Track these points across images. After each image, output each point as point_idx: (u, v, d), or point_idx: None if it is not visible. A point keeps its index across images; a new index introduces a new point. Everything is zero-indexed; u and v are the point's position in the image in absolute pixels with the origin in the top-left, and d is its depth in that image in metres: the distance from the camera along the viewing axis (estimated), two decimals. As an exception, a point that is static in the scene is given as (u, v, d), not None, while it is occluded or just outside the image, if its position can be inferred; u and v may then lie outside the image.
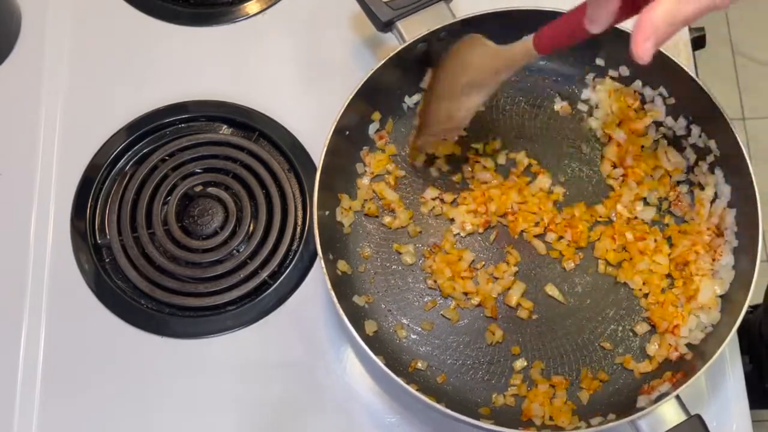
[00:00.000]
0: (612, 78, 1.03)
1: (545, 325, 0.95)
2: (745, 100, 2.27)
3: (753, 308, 1.20)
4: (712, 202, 0.97)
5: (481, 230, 0.99)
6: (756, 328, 1.17)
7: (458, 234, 0.99)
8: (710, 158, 0.97)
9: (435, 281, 0.96)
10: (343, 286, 0.94)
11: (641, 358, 0.93)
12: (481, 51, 0.89)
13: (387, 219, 1.00)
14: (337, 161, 0.97)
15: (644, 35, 0.65)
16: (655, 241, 0.96)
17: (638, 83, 1.02)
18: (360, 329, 0.89)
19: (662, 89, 0.99)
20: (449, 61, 0.93)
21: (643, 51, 0.65)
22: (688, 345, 0.91)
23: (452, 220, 0.99)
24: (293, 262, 1.01)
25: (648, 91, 1.01)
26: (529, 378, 0.92)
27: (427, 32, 0.97)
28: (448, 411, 0.83)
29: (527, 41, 0.83)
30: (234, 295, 0.99)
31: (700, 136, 0.98)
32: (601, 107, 1.03)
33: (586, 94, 1.05)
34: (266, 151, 1.06)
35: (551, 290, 0.96)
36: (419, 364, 0.93)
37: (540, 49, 0.82)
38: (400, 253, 0.98)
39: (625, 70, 1.02)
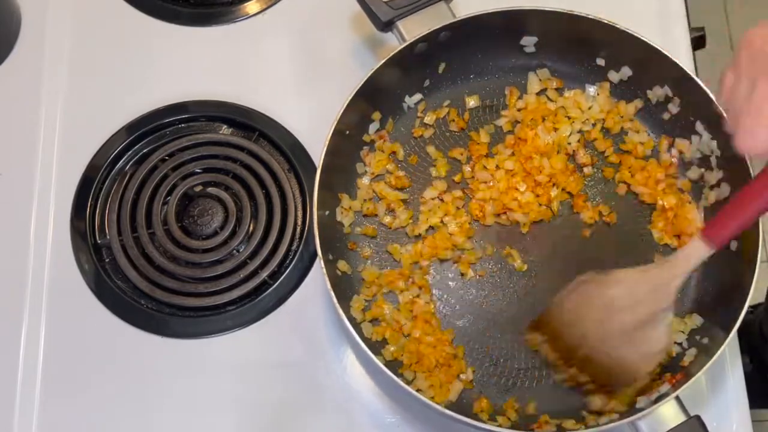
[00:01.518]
0: (611, 81, 1.04)
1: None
2: (746, 100, 2.26)
3: (753, 308, 1.20)
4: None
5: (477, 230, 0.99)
6: (756, 328, 1.17)
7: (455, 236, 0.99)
8: (712, 159, 0.97)
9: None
10: (343, 286, 0.94)
11: None
12: (629, 283, 0.83)
13: (387, 219, 1.00)
14: (337, 161, 0.97)
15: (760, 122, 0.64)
16: None
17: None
18: (360, 329, 0.89)
19: (667, 89, 0.99)
20: (576, 311, 0.86)
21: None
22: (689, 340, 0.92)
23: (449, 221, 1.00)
24: (293, 262, 1.01)
25: (657, 91, 1.01)
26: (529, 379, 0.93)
27: (427, 32, 0.97)
28: (448, 411, 0.83)
29: (697, 243, 0.78)
30: (234, 295, 0.99)
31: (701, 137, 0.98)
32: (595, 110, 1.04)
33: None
34: (266, 151, 1.06)
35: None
36: (419, 364, 0.94)
37: (716, 243, 0.77)
38: (395, 258, 0.98)
39: (627, 71, 1.02)
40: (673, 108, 1.00)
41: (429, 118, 1.04)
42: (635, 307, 0.82)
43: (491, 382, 0.93)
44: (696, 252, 0.79)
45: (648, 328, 0.82)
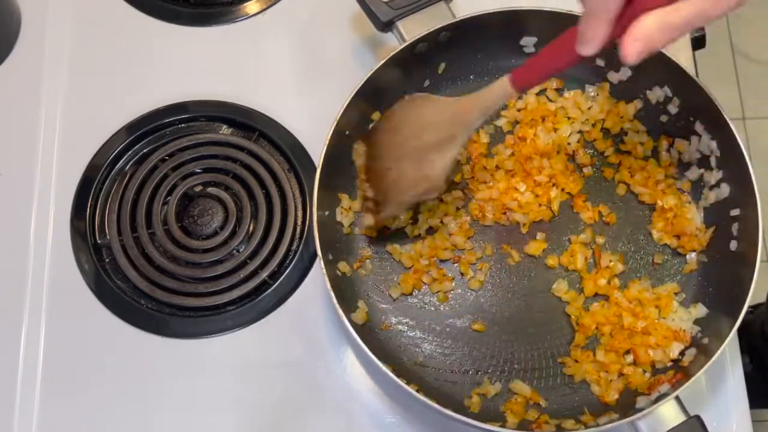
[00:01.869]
0: (611, 82, 1.04)
1: (543, 326, 0.95)
2: (745, 100, 2.27)
3: (753, 308, 1.20)
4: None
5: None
6: (757, 327, 1.17)
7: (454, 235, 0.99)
8: (712, 159, 0.97)
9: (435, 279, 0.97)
10: (343, 286, 0.94)
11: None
12: (438, 107, 0.88)
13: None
14: (337, 161, 0.97)
15: (633, 37, 0.66)
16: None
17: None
18: (360, 329, 0.89)
19: (667, 89, 0.99)
20: (395, 124, 0.91)
21: (630, 49, 0.66)
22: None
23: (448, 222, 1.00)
24: (293, 262, 1.01)
25: (656, 92, 1.01)
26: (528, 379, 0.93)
27: (427, 32, 0.97)
28: (448, 411, 0.83)
29: (503, 80, 0.81)
30: (234, 295, 0.99)
31: (700, 138, 0.98)
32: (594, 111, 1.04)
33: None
34: (266, 151, 1.06)
35: (558, 288, 0.96)
36: (420, 364, 0.93)
37: (519, 87, 0.81)
38: (395, 258, 0.98)
39: (627, 71, 1.02)
40: (673, 108, 1.00)
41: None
42: (435, 127, 0.87)
43: (491, 381, 0.92)
44: (499, 90, 0.82)
45: (436, 151, 0.87)
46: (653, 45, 0.66)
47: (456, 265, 0.98)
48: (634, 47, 0.66)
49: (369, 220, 0.95)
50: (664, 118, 1.01)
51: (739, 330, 0.87)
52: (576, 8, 0.96)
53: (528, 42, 1.03)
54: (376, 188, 0.94)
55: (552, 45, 0.77)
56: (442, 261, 0.98)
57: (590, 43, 0.70)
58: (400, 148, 0.91)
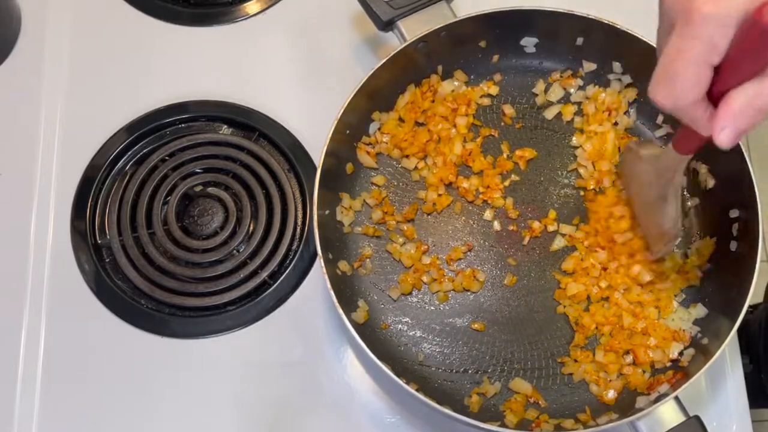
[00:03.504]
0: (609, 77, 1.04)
1: (543, 326, 0.96)
2: (746, 100, 2.27)
3: (753, 308, 1.20)
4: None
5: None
6: (756, 328, 1.17)
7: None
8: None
9: (434, 279, 0.97)
10: (343, 286, 0.94)
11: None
12: (646, 164, 0.87)
13: (388, 218, 1.00)
14: (338, 161, 0.97)
15: (720, 124, 0.62)
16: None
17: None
18: (360, 329, 0.89)
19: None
20: (630, 173, 0.92)
21: (720, 139, 0.62)
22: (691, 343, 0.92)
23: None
24: (293, 262, 1.01)
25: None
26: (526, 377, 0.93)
27: (427, 32, 0.97)
28: (449, 411, 0.83)
29: (669, 146, 0.81)
30: (234, 295, 0.99)
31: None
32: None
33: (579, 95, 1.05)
34: (266, 151, 1.06)
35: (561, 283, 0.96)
36: (420, 364, 0.93)
37: (681, 151, 0.79)
38: (395, 258, 0.98)
39: (618, 68, 1.02)
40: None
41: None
42: (655, 181, 0.87)
43: (490, 381, 0.92)
44: (677, 159, 0.81)
45: (663, 204, 0.87)
46: (743, 126, 0.62)
47: (456, 265, 0.98)
48: (724, 135, 0.62)
49: (642, 268, 0.95)
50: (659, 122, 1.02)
51: (739, 330, 0.87)
52: (576, 8, 0.97)
53: (528, 42, 1.03)
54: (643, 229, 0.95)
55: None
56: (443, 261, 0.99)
57: (705, 132, 0.65)
58: (641, 197, 0.92)
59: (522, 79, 1.06)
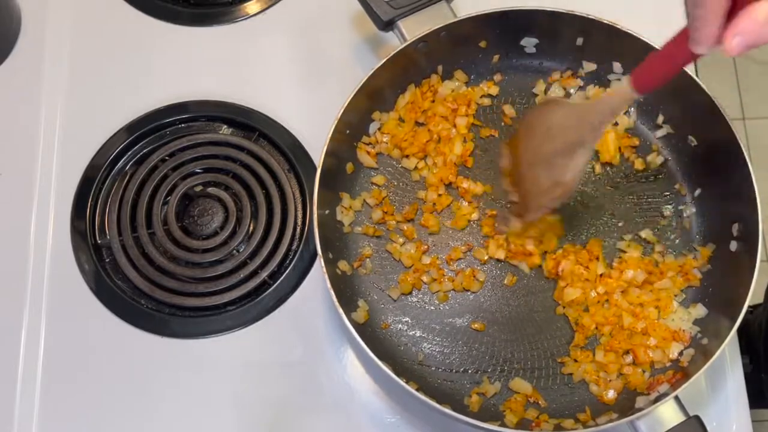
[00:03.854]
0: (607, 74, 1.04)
1: (543, 325, 0.96)
2: (745, 100, 2.27)
3: (753, 308, 1.20)
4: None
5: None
6: (756, 328, 1.17)
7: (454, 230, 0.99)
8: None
9: (434, 279, 0.97)
10: (343, 286, 0.94)
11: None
12: (564, 112, 0.86)
13: (388, 218, 1.00)
14: (338, 160, 0.97)
15: (735, 31, 0.61)
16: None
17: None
18: (360, 328, 0.89)
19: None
20: (528, 129, 0.91)
21: (731, 45, 0.62)
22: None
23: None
24: (293, 262, 1.01)
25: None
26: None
27: (428, 31, 0.97)
28: (448, 410, 0.83)
29: (623, 85, 0.79)
30: (234, 295, 0.99)
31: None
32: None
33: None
34: (266, 151, 1.06)
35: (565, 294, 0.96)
36: (420, 364, 0.93)
37: (640, 89, 0.78)
38: (395, 257, 0.98)
39: (618, 68, 1.02)
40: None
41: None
42: (563, 132, 0.85)
43: (490, 381, 0.92)
44: (621, 93, 0.79)
45: (566, 156, 0.86)
46: (760, 39, 0.61)
47: (456, 265, 0.98)
48: (736, 42, 0.62)
49: (516, 223, 0.96)
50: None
51: (739, 330, 0.87)
52: (576, 8, 0.97)
53: (528, 42, 1.03)
54: (518, 192, 0.94)
55: (668, 44, 0.75)
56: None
57: (702, 43, 0.66)
58: (533, 152, 0.90)
59: (522, 79, 1.06)
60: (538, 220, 0.96)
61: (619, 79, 1.03)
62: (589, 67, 1.04)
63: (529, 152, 0.91)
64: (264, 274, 0.99)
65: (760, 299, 1.17)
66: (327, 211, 0.95)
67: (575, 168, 0.86)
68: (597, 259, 0.96)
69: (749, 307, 0.86)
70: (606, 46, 1.00)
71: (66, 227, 1.02)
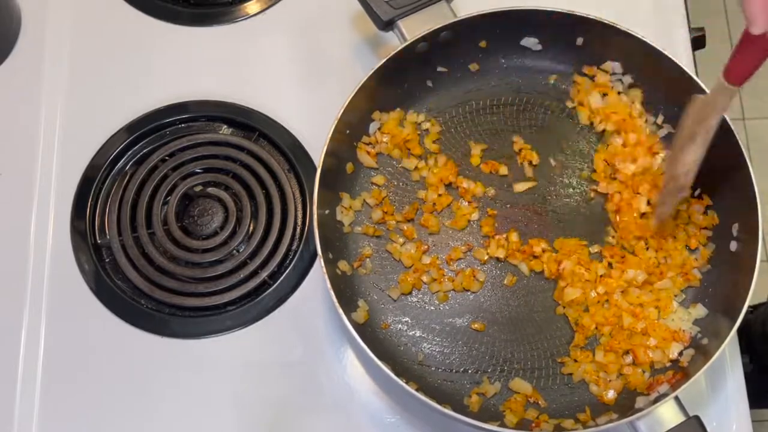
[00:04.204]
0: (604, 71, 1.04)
1: (543, 326, 0.96)
2: (745, 100, 2.27)
3: (753, 308, 1.20)
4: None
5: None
6: (757, 327, 1.17)
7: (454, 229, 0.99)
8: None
9: (434, 279, 0.97)
10: (343, 286, 0.94)
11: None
12: (691, 106, 0.87)
13: (388, 218, 1.00)
14: (338, 160, 0.97)
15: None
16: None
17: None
18: (360, 328, 0.89)
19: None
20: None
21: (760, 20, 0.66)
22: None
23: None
24: (293, 262, 1.01)
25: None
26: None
27: (428, 31, 0.97)
28: (448, 411, 0.83)
29: (720, 82, 0.80)
30: (234, 295, 0.99)
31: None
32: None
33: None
34: (266, 151, 1.06)
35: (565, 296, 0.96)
36: (420, 364, 0.93)
37: (737, 81, 0.80)
38: (395, 257, 0.98)
39: (628, 79, 1.02)
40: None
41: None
42: (684, 129, 0.87)
43: (490, 381, 0.92)
44: (723, 92, 0.81)
45: (683, 152, 0.87)
46: None
47: (456, 265, 0.98)
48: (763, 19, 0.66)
49: (653, 219, 0.97)
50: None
51: (739, 330, 0.87)
52: (576, 8, 0.97)
53: (528, 42, 1.03)
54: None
55: (746, 32, 0.75)
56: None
57: (757, 23, 0.69)
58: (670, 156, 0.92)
59: (522, 78, 1.06)
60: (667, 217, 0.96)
61: (620, 80, 1.03)
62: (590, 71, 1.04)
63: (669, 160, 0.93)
64: (264, 274, 0.99)
65: (761, 299, 1.17)
66: (327, 211, 0.96)
67: (685, 163, 0.87)
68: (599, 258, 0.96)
69: (749, 307, 0.86)
70: (606, 45, 1.00)
71: (66, 227, 1.02)
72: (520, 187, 1.01)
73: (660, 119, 1.02)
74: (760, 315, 1.21)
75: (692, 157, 0.87)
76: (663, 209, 0.94)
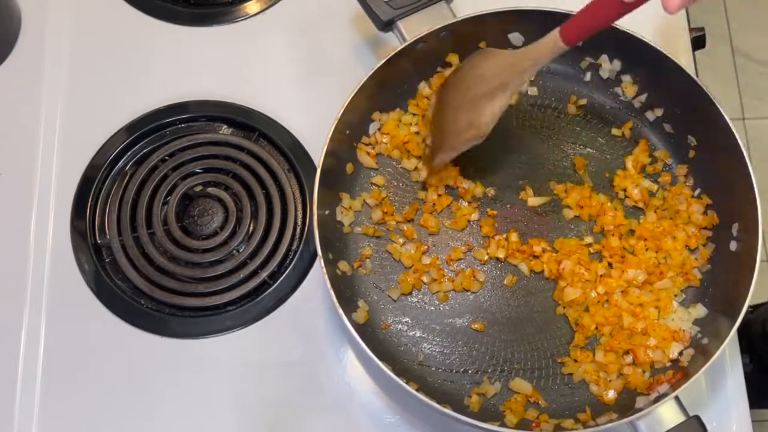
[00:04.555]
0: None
1: (543, 326, 0.96)
2: (745, 100, 2.27)
3: (753, 308, 1.20)
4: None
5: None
6: (758, 328, 1.17)
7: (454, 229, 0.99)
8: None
9: (434, 279, 0.97)
10: (343, 286, 0.94)
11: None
12: (497, 59, 0.90)
13: (388, 219, 1.00)
14: (338, 160, 0.97)
15: None
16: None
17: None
18: (360, 329, 0.89)
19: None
20: (461, 75, 0.93)
21: (671, 4, 0.69)
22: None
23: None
24: (293, 262, 1.01)
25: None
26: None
27: (427, 32, 0.97)
28: (448, 411, 0.83)
29: (554, 35, 0.84)
30: (234, 295, 0.99)
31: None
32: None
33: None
34: (266, 151, 1.06)
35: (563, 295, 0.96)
36: (420, 364, 0.93)
37: (568, 41, 0.83)
38: (395, 257, 0.98)
39: (618, 66, 1.02)
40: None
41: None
42: (490, 78, 0.91)
43: (490, 381, 0.92)
44: (550, 44, 0.85)
45: (487, 100, 0.91)
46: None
47: (456, 265, 0.98)
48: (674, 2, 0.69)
49: (423, 172, 0.99)
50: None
51: (739, 330, 0.87)
52: (576, 8, 0.97)
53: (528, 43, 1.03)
54: (434, 137, 0.97)
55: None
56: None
57: None
58: (460, 97, 0.93)
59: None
60: (444, 164, 0.98)
61: (618, 79, 1.03)
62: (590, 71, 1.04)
63: (458, 95, 0.94)
64: (264, 274, 0.99)
65: (761, 299, 1.17)
66: (327, 212, 0.96)
67: (492, 112, 0.91)
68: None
69: (749, 307, 0.86)
70: (606, 46, 1.00)
71: (66, 227, 1.02)
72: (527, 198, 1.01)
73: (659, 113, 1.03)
74: (760, 315, 1.21)
75: (500, 104, 0.90)
76: (446, 155, 0.96)
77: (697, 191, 0.99)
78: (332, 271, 0.91)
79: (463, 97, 0.93)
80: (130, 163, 1.06)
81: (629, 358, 0.92)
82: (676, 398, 0.84)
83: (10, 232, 1.02)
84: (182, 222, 1.02)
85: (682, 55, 1.09)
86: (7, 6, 1.11)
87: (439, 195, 1.01)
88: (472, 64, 0.93)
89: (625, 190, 1.00)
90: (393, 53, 0.97)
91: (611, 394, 0.90)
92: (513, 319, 0.96)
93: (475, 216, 1.00)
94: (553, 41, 0.84)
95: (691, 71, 0.96)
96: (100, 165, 1.05)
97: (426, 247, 0.99)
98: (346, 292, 0.94)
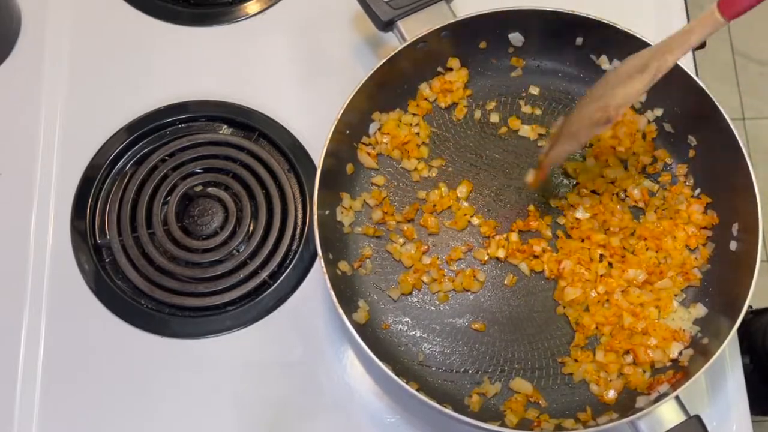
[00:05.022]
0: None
1: (543, 326, 0.96)
2: (745, 100, 2.27)
3: (755, 312, 1.20)
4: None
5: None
6: (757, 328, 1.17)
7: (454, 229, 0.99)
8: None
9: (434, 279, 0.97)
10: (343, 286, 0.94)
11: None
12: (636, 57, 0.84)
13: (388, 219, 1.00)
14: (338, 161, 0.97)
15: None
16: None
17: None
18: (360, 329, 0.89)
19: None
20: (594, 87, 0.88)
21: None
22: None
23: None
24: (293, 262, 1.01)
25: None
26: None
27: (427, 32, 0.97)
28: (448, 411, 0.83)
29: (711, 12, 0.78)
30: (234, 295, 0.99)
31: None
32: None
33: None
34: (266, 151, 1.06)
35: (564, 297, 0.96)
36: (420, 364, 0.93)
37: (729, 15, 0.78)
38: (395, 258, 0.98)
39: (618, 65, 1.02)
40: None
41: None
42: (632, 63, 0.83)
43: (491, 381, 0.92)
44: (709, 21, 0.79)
45: (623, 84, 0.83)
46: None
47: (456, 265, 0.98)
48: None
49: (531, 173, 0.96)
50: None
51: (740, 330, 0.87)
52: (577, 8, 0.97)
53: (529, 42, 1.03)
54: (553, 139, 0.92)
55: None
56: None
57: None
58: (589, 100, 0.87)
59: (522, 79, 1.06)
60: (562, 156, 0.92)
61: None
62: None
63: (587, 100, 0.87)
64: (264, 274, 0.99)
65: (761, 299, 1.17)
66: (327, 212, 0.95)
67: (626, 94, 0.82)
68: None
69: (749, 307, 0.86)
70: (606, 45, 1.00)
71: (66, 227, 1.02)
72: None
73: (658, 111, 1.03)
74: (762, 326, 1.20)
75: (635, 88, 0.82)
76: (563, 147, 0.90)
77: (697, 191, 0.99)
78: (332, 271, 0.91)
79: (592, 98, 0.87)
80: (130, 163, 1.06)
81: (629, 358, 0.92)
82: (677, 398, 0.84)
83: (10, 232, 1.02)
84: (182, 222, 1.02)
85: (682, 55, 1.09)
86: (7, 6, 1.11)
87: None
88: (607, 74, 0.87)
89: (625, 190, 1.00)
90: (393, 53, 0.97)
91: (611, 394, 0.90)
92: (513, 319, 0.96)
93: (476, 221, 1.00)
94: (711, 18, 0.78)
95: (691, 71, 0.96)
96: (100, 165, 1.05)
97: (426, 247, 0.99)
98: (346, 292, 0.94)
